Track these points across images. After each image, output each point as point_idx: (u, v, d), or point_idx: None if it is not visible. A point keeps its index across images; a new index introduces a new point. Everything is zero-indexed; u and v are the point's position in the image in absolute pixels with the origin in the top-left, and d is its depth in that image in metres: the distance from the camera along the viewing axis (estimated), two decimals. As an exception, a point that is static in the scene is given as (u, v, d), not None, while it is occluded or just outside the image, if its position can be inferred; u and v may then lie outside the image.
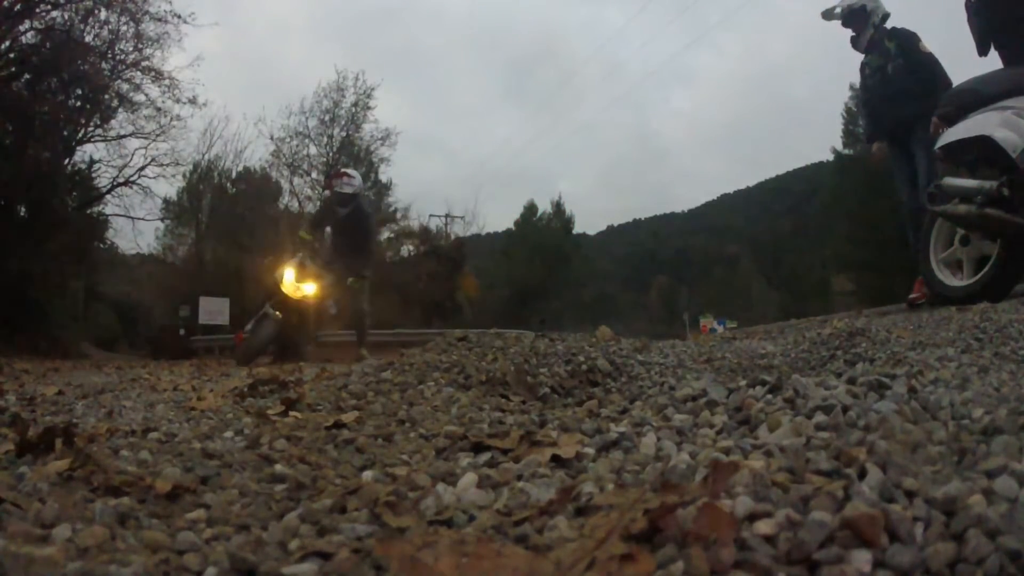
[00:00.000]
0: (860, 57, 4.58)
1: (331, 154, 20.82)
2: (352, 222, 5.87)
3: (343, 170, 6.35)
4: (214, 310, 15.45)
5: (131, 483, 0.78)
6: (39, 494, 0.73)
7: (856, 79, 4.84)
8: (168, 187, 21.11)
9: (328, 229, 6.34)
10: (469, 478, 0.79)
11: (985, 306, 2.58)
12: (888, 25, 4.42)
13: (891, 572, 0.47)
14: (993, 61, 3.61)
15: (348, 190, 5.80)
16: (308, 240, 6.01)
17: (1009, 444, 0.68)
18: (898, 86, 4.26)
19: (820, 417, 0.82)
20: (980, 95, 3.29)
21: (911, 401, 0.87)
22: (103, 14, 12.16)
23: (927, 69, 4.17)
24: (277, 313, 5.52)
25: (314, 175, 21.17)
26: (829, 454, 0.67)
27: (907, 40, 4.29)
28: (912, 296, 4.47)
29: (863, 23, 4.43)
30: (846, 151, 24.72)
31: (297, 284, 5.59)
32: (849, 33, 4.56)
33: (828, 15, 4.58)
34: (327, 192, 7.42)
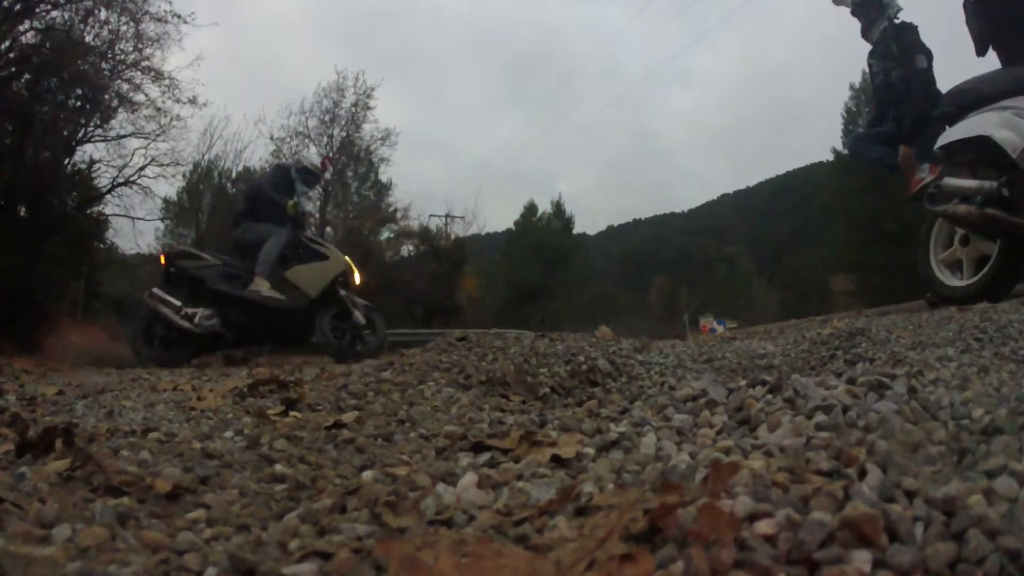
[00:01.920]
0: (863, 51, 4.57)
1: (331, 154, 20.84)
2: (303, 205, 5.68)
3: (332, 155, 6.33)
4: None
5: (131, 483, 0.78)
6: (39, 494, 0.73)
7: (857, 79, 4.88)
8: (168, 187, 21.07)
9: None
10: (469, 478, 0.79)
11: (985, 306, 2.58)
12: (897, 19, 4.41)
13: (891, 572, 0.47)
14: (992, 61, 3.61)
15: (327, 176, 5.78)
16: (299, 214, 5.44)
17: (1009, 444, 0.68)
18: (900, 93, 4.28)
19: (820, 417, 0.82)
20: (980, 95, 3.28)
21: (911, 401, 0.87)
22: (103, 14, 12.17)
23: (917, 84, 4.19)
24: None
25: (314, 175, 21.19)
26: (829, 454, 0.67)
27: (905, 52, 4.29)
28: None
29: (876, 15, 4.41)
30: (846, 151, 24.70)
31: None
32: (853, 20, 4.54)
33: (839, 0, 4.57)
34: (286, 162, 6.88)
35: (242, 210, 5.67)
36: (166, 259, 5.43)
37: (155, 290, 5.18)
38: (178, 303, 5.12)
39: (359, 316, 5.19)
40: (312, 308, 5.13)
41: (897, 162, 4.30)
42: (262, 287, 5.06)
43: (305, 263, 5.27)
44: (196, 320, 5.09)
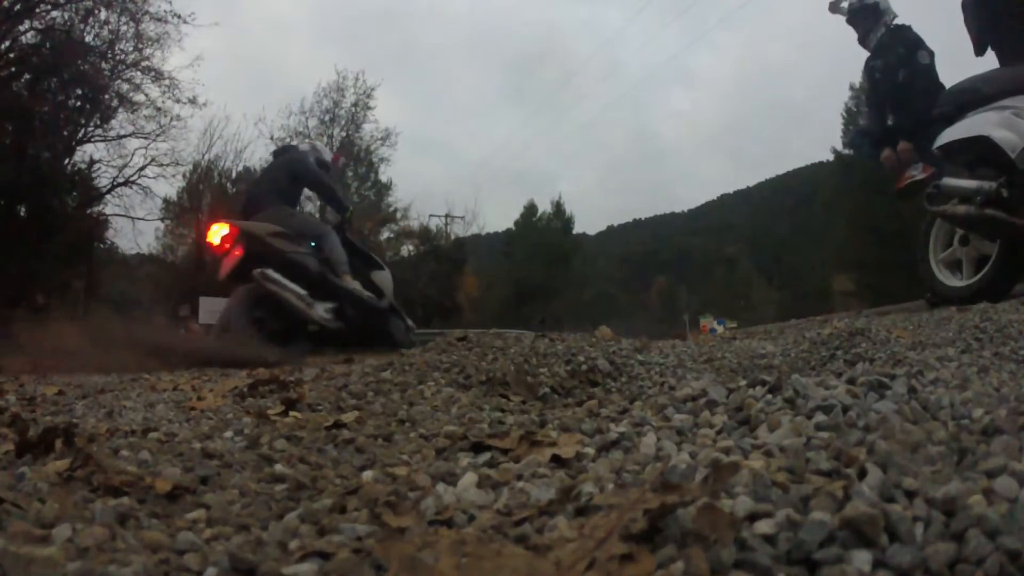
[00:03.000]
0: (863, 54, 4.57)
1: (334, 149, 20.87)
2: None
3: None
4: (214, 310, 15.41)
5: (131, 483, 0.78)
6: (39, 494, 0.73)
7: (857, 79, 4.91)
8: (168, 187, 21.17)
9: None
10: (469, 478, 0.79)
11: (985, 306, 2.58)
12: (895, 23, 4.41)
13: (891, 572, 0.47)
14: (992, 61, 3.61)
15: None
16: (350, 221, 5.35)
17: (1009, 444, 0.68)
18: (906, 91, 4.28)
19: (820, 417, 0.82)
20: (979, 94, 3.29)
21: (911, 401, 0.87)
22: (103, 14, 12.22)
23: (922, 79, 4.20)
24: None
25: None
26: (829, 454, 0.67)
27: (909, 51, 4.30)
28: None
29: (873, 21, 4.41)
30: (846, 151, 24.72)
31: None
32: (849, 27, 4.55)
33: (835, 8, 4.56)
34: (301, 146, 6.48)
35: (278, 189, 4.92)
36: (246, 237, 4.32)
37: (270, 271, 4.17)
38: (303, 291, 4.28)
39: (408, 319, 5.29)
40: (387, 312, 5.04)
41: (895, 158, 4.31)
42: (357, 286, 4.66)
43: (371, 269, 5.13)
44: (319, 313, 4.36)
